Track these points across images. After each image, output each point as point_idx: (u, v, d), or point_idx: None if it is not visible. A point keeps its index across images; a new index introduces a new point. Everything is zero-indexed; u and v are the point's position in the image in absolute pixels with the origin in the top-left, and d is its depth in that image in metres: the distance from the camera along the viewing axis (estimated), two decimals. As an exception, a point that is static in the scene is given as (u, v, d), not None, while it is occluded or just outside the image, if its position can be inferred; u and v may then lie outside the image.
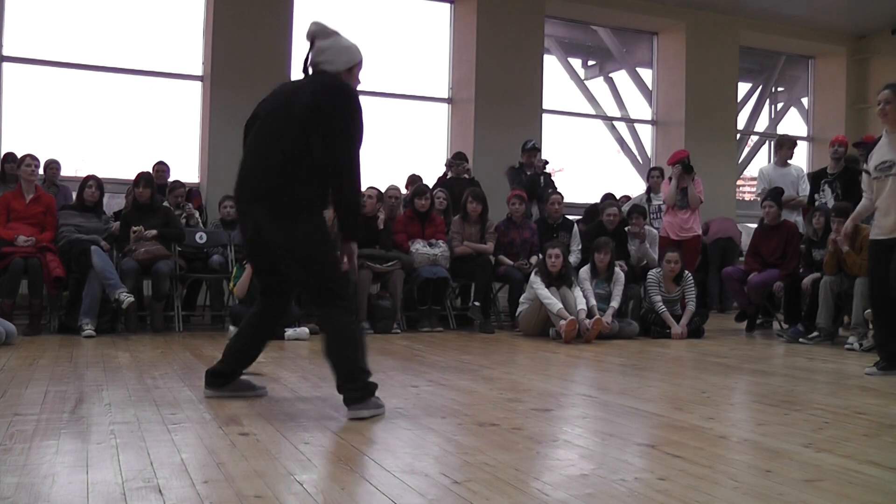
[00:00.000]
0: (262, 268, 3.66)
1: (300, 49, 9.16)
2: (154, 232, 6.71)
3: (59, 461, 2.57)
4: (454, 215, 7.82)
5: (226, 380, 3.71)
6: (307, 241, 3.37)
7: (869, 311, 6.08)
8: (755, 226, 8.16)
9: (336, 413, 3.39)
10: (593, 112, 11.75)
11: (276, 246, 3.40)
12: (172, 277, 6.84)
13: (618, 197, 9.08)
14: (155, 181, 7.31)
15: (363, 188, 7.65)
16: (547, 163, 8.65)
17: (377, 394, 3.43)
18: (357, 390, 3.34)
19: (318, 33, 3.53)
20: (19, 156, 6.91)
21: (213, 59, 8.98)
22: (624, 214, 8.32)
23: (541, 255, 7.12)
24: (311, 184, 3.36)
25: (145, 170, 7.19)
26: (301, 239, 3.36)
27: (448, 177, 8.62)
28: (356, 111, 3.38)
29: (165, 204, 7.23)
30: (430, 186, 8.09)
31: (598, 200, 8.97)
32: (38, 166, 6.79)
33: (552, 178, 8.82)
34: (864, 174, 5.39)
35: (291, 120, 3.38)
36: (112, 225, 6.91)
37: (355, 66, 3.55)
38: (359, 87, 3.56)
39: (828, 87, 12.72)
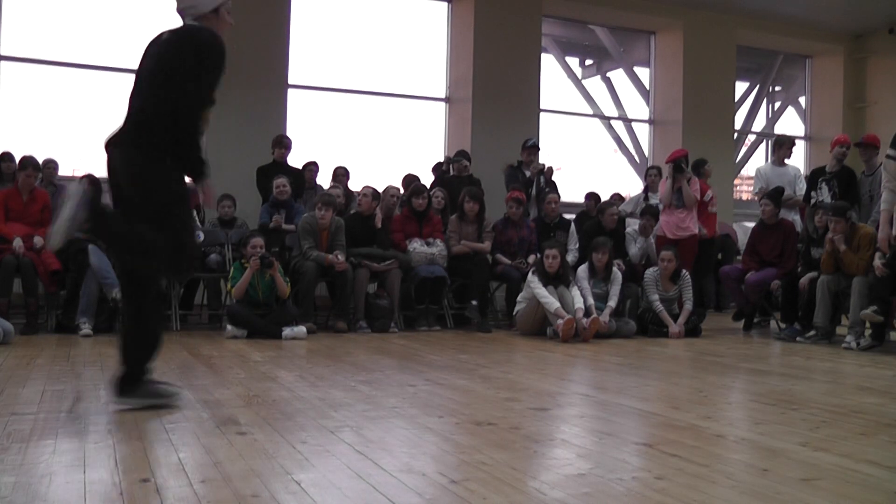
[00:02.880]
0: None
1: (298, 48, 9.24)
2: None
3: (57, 460, 2.57)
4: (451, 214, 7.82)
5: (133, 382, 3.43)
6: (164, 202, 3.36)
7: (866, 310, 6.10)
8: (752, 225, 8.17)
9: (334, 412, 3.39)
10: (591, 111, 11.75)
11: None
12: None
13: (608, 197, 9.13)
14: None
15: (359, 187, 7.70)
16: (544, 167, 8.62)
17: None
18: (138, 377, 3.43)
19: None
20: (17, 155, 6.90)
21: (210, 58, 8.95)
22: (622, 213, 8.36)
23: (538, 254, 7.13)
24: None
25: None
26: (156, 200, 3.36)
27: (448, 174, 8.61)
28: (210, 51, 3.36)
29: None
30: (427, 186, 8.10)
31: (594, 190, 9.14)
32: (38, 177, 6.79)
33: (552, 177, 8.81)
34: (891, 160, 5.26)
35: (158, 71, 3.38)
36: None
37: (221, 6, 3.51)
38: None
39: (825, 86, 12.74)
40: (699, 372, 5.03)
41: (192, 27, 3.49)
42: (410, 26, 10.43)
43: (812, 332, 6.74)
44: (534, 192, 8.46)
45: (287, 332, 6.25)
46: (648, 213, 7.93)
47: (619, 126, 11.91)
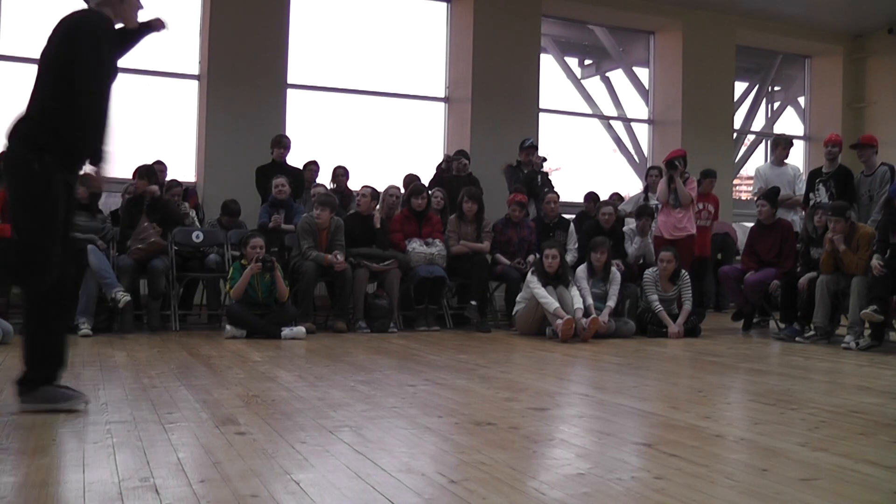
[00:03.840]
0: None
1: (297, 48, 9.24)
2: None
3: (57, 460, 2.57)
4: (451, 214, 7.82)
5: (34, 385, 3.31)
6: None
7: (866, 310, 6.09)
8: (751, 225, 8.17)
9: (333, 412, 3.39)
10: (590, 111, 11.76)
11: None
12: (168, 275, 6.84)
13: (605, 196, 9.14)
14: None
15: (358, 186, 7.71)
16: (545, 159, 8.65)
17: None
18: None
19: None
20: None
21: (209, 57, 8.96)
22: (621, 213, 8.35)
23: (538, 254, 7.13)
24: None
25: (145, 163, 7.24)
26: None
27: (447, 174, 8.61)
28: (87, 38, 3.23)
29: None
30: (427, 185, 8.11)
31: (594, 190, 9.13)
32: None
33: (549, 177, 8.83)
34: None
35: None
36: (107, 226, 6.91)
37: None
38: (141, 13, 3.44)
39: (824, 86, 12.75)
40: (698, 372, 5.04)
41: (67, 15, 3.34)
42: (410, 26, 10.44)
43: (811, 332, 6.74)
44: (538, 181, 8.46)
45: (286, 332, 6.24)
46: (645, 213, 7.89)
47: (618, 126, 11.92)
